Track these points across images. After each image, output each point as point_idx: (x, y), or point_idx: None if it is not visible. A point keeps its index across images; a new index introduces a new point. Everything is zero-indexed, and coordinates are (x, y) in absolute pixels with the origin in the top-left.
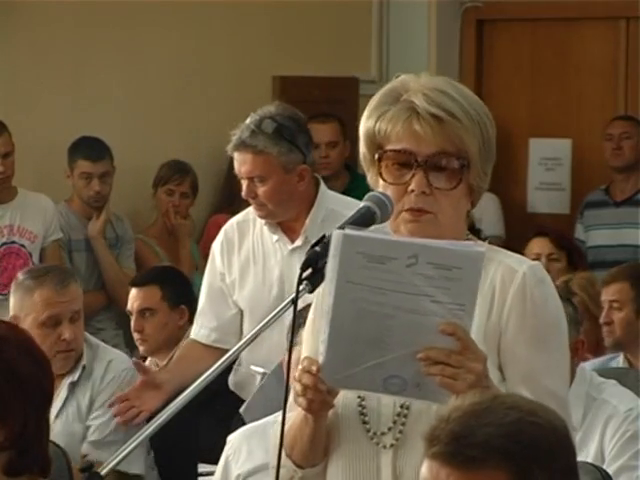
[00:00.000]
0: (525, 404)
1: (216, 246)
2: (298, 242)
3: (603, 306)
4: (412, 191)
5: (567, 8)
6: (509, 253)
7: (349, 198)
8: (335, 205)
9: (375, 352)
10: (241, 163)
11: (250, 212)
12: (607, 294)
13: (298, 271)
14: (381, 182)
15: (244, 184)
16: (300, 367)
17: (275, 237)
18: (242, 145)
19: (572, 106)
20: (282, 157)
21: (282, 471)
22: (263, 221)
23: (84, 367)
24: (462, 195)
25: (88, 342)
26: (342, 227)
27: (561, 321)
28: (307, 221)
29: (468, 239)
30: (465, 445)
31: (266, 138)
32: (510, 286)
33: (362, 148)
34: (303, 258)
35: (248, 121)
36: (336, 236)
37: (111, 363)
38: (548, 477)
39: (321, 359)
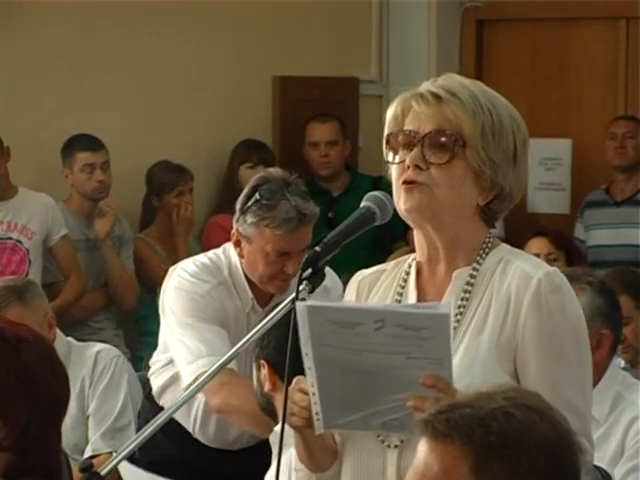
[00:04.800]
0: (525, 398)
1: (207, 289)
2: None
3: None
4: (408, 167)
5: (567, 8)
6: (527, 256)
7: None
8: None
9: (367, 400)
10: (299, 239)
11: (224, 273)
12: None
13: None
14: (390, 166)
15: (290, 261)
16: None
17: (249, 305)
18: (303, 219)
19: (572, 106)
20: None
21: (300, 474)
22: (242, 286)
23: None
24: (462, 176)
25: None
26: (297, 297)
27: (579, 330)
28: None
29: (488, 241)
30: (439, 419)
31: (310, 204)
32: (525, 294)
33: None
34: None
35: (271, 190)
36: (300, 308)
37: (100, 353)
38: (510, 472)
39: (316, 408)
